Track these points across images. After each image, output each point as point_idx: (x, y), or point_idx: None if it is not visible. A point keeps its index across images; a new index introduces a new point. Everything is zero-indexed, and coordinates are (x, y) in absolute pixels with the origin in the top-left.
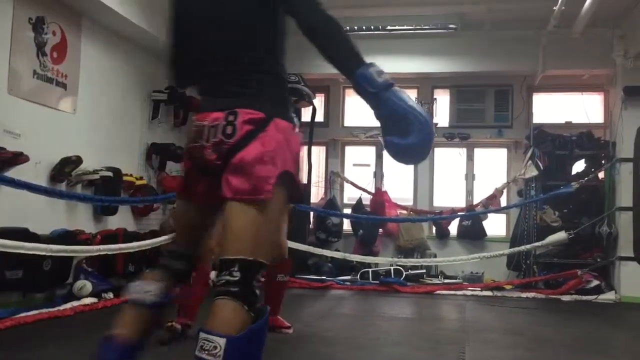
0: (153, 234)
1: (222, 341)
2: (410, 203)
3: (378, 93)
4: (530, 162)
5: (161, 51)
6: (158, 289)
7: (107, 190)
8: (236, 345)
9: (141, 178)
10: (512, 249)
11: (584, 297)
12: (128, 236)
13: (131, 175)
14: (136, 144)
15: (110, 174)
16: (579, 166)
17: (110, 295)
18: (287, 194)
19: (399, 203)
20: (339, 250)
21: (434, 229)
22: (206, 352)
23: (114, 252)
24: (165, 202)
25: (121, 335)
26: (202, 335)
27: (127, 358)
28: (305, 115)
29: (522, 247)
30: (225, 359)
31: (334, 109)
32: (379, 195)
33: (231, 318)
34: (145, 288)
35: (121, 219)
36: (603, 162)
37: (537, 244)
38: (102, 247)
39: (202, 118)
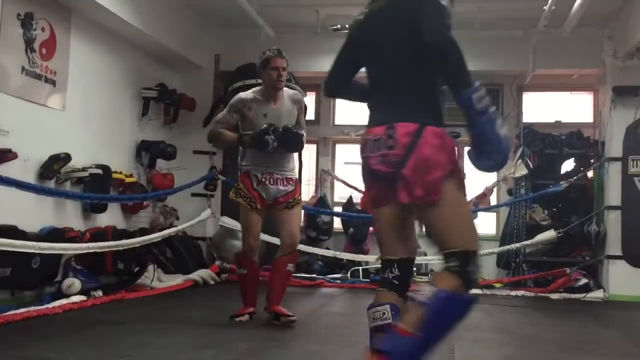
0: (143, 232)
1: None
2: None
3: (475, 116)
4: (520, 161)
5: (152, 49)
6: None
7: (96, 188)
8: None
9: (131, 175)
10: (501, 248)
11: (573, 296)
12: (117, 234)
13: (121, 172)
14: (126, 141)
15: (99, 171)
16: (568, 165)
17: (100, 293)
18: (459, 184)
19: None
20: (329, 249)
21: (423, 227)
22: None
23: (103, 250)
24: (155, 200)
25: None
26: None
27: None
28: None
29: (512, 246)
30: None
31: (325, 107)
32: None
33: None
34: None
35: (110, 217)
36: (592, 161)
37: (526, 242)
38: (91, 244)
39: (368, 132)
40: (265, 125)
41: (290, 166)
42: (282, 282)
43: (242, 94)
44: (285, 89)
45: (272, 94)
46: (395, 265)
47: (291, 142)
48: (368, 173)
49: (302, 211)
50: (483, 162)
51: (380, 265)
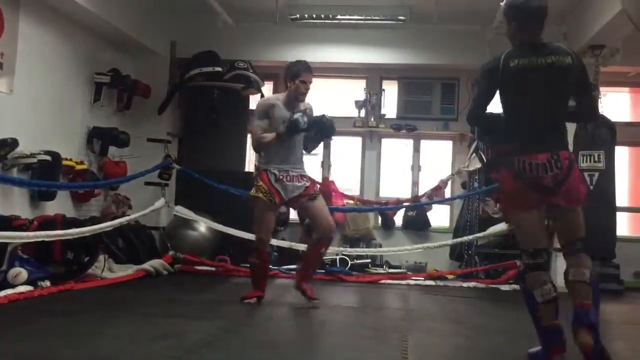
0: (94, 221)
1: (586, 271)
2: (357, 193)
3: None
4: (474, 154)
5: (105, 33)
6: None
7: (45, 175)
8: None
9: (81, 163)
10: (454, 240)
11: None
12: (67, 222)
13: (71, 159)
14: (77, 127)
15: (48, 157)
16: None
17: (47, 283)
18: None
19: (345, 193)
20: (285, 239)
21: (379, 219)
22: (579, 277)
23: (52, 239)
24: (107, 188)
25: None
26: (574, 271)
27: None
28: (254, 102)
29: (465, 238)
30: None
31: None
32: (326, 185)
33: (589, 262)
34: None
35: (60, 205)
36: None
37: (478, 234)
38: (38, 233)
39: (533, 158)
40: (296, 112)
41: (303, 165)
42: (314, 263)
43: (264, 99)
44: None
45: (294, 104)
46: (544, 252)
47: (324, 126)
48: (534, 187)
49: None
50: None
51: (529, 253)
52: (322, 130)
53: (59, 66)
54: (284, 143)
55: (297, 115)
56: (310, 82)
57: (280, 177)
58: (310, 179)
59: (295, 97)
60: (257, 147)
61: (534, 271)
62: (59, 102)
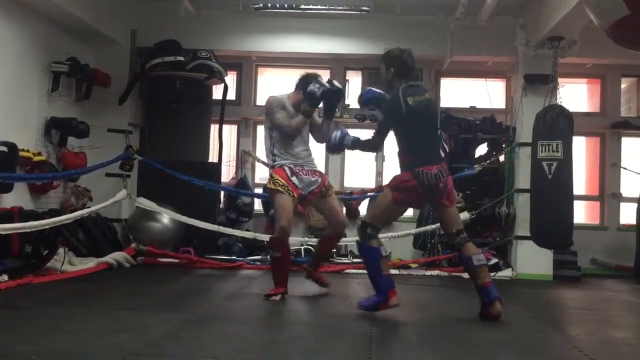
0: (53, 213)
1: (483, 256)
2: None
3: None
4: None
5: (62, 20)
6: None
7: (1, 166)
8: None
9: (39, 154)
10: (418, 229)
11: None
12: (24, 215)
13: (28, 150)
14: (34, 117)
15: (4, 148)
16: (481, 149)
17: (5, 277)
18: None
19: None
20: (249, 230)
21: (344, 209)
22: (481, 261)
23: (9, 232)
24: (66, 180)
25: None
26: (474, 257)
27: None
28: (217, 92)
29: (428, 227)
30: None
31: (246, 87)
32: None
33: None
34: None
35: (17, 197)
36: (504, 145)
37: None
38: None
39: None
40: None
41: (314, 161)
42: (324, 254)
43: (276, 96)
44: None
45: (297, 107)
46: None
47: (335, 89)
48: (426, 188)
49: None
50: None
51: (377, 227)
52: (335, 93)
53: (14, 54)
54: (296, 139)
55: (311, 87)
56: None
57: (297, 170)
58: (322, 174)
59: (300, 104)
60: (292, 133)
61: (377, 238)
62: (14, 91)
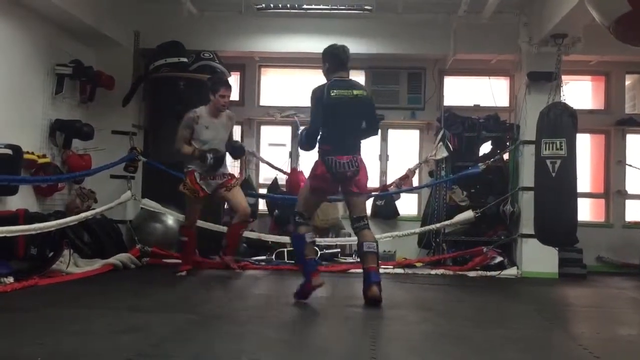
0: (58, 215)
1: (374, 244)
2: None
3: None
4: (441, 143)
5: (66, 23)
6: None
7: (5, 169)
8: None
9: (44, 156)
10: (422, 228)
11: (489, 273)
12: (30, 217)
13: (33, 153)
14: (38, 120)
15: (9, 151)
16: (486, 148)
17: (10, 279)
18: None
19: None
20: (254, 231)
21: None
22: (370, 248)
23: (14, 234)
24: (71, 182)
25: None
26: (365, 244)
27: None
28: None
29: (432, 226)
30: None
31: (250, 87)
32: (295, 175)
33: (373, 236)
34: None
35: (22, 200)
36: (508, 144)
37: (446, 222)
38: (0, 228)
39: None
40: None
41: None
42: (233, 242)
43: (192, 112)
44: None
45: (217, 113)
46: (309, 216)
47: (235, 149)
48: (336, 175)
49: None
50: None
51: (304, 215)
52: (235, 150)
53: (19, 58)
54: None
55: (208, 155)
56: (229, 97)
57: (203, 176)
58: (229, 175)
59: (217, 109)
60: (175, 153)
61: (305, 225)
62: (19, 94)
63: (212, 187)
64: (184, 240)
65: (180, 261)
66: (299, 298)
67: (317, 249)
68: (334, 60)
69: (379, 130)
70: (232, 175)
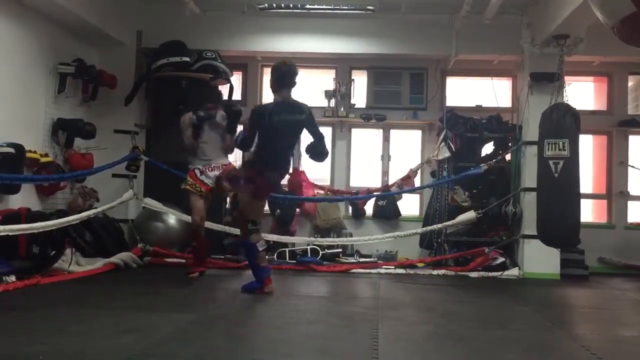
0: (60, 214)
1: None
2: (327, 183)
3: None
4: (443, 143)
5: (69, 22)
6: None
7: (8, 168)
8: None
9: (46, 155)
10: (424, 228)
11: (490, 274)
12: (32, 216)
13: (35, 152)
14: (40, 119)
15: (11, 150)
16: (488, 148)
17: (12, 278)
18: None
19: (316, 183)
20: None
21: (350, 208)
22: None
23: (16, 233)
24: (73, 181)
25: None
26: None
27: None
28: (223, 92)
29: (434, 226)
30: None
31: (252, 87)
32: (297, 175)
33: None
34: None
35: (24, 198)
36: (510, 144)
37: (447, 223)
38: (2, 227)
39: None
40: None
41: (221, 158)
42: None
43: (187, 114)
44: None
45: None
46: (259, 223)
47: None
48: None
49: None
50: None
51: (255, 222)
52: (231, 116)
53: (21, 56)
54: (208, 144)
55: (192, 118)
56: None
57: (204, 169)
58: (223, 166)
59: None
60: (189, 149)
61: (256, 232)
62: (21, 93)
63: (212, 179)
64: (195, 246)
65: (183, 261)
66: (245, 291)
67: (265, 253)
68: (279, 77)
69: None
70: (229, 163)
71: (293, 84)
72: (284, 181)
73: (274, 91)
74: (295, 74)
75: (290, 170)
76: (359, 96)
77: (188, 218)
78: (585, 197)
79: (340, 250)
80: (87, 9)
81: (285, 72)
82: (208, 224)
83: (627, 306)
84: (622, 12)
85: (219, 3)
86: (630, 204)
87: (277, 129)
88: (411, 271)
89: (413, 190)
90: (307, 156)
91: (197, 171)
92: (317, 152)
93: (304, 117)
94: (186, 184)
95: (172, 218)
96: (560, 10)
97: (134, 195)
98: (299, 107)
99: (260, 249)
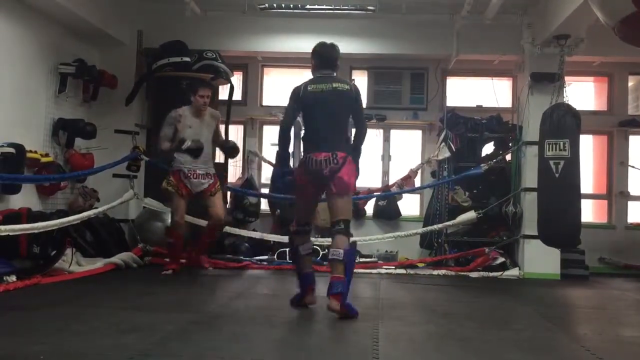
0: (60, 214)
1: (341, 251)
2: None
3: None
4: (443, 144)
5: (69, 22)
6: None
7: (8, 168)
8: (347, 252)
9: (47, 155)
10: (425, 228)
11: (491, 274)
12: (32, 216)
13: (36, 152)
14: (41, 119)
15: (12, 150)
16: (488, 148)
17: (13, 278)
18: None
19: None
20: (256, 230)
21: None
22: (335, 256)
23: (17, 233)
24: (74, 181)
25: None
26: (332, 250)
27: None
28: (223, 93)
29: (434, 227)
30: (344, 256)
31: (252, 87)
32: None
33: (345, 241)
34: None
35: (25, 198)
36: (510, 144)
37: (448, 223)
38: (3, 227)
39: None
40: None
41: (209, 165)
42: (204, 241)
43: (174, 111)
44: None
45: (199, 112)
46: (308, 224)
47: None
48: (311, 173)
49: (228, 193)
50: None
51: (300, 224)
52: (229, 151)
53: (22, 57)
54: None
55: (187, 142)
56: (208, 96)
57: (189, 174)
58: (213, 176)
59: (197, 108)
60: (160, 151)
61: (301, 235)
62: (22, 93)
63: (195, 186)
64: (170, 242)
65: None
66: (294, 305)
67: (310, 258)
68: (319, 58)
69: (367, 128)
70: (216, 178)
71: (335, 66)
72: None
73: (315, 71)
74: (336, 55)
75: (339, 162)
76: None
77: (189, 218)
78: (586, 197)
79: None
80: (88, 8)
81: (325, 49)
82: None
83: (628, 306)
84: (623, 12)
85: (219, 3)
86: (630, 204)
87: (314, 100)
88: (411, 271)
89: (413, 191)
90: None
91: (181, 174)
92: (358, 151)
93: (348, 88)
94: (168, 185)
95: None
96: (560, 10)
97: (135, 195)
98: (343, 79)
99: (302, 252)
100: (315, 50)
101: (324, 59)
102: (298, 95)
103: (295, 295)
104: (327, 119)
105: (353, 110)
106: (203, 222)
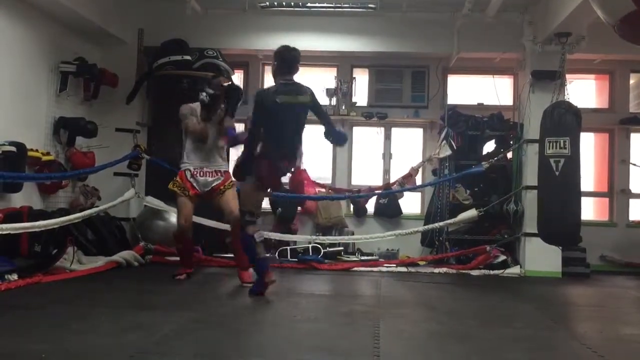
0: (62, 212)
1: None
2: (329, 181)
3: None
4: (444, 142)
5: (70, 20)
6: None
7: (10, 166)
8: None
9: (48, 153)
10: (426, 227)
11: (492, 272)
12: (34, 215)
13: (37, 150)
14: (42, 117)
15: (13, 148)
16: (489, 146)
17: (14, 276)
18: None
19: (317, 181)
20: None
21: (351, 207)
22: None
23: (18, 232)
24: (75, 179)
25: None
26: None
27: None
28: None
29: (436, 225)
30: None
31: (253, 85)
32: (298, 174)
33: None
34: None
35: (26, 197)
36: (511, 142)
37: (449, 221)
38: (4, 226)
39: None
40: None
41: (219, 162)
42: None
43: (187, 104)
44: None
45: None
46: (255, 214)
47: (232, 93)
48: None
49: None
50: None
51: (250, 213)
52: (231, 95)
53: (23, 55)
54: (208, 143)
55: (200, 97)
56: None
57: (195, 172)
58: (223, 174)
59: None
60: (198, 136)
61: (253, 224)
62: (23, 91)
63: (202, 185)
64: (179, 247)
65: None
66: (254, 295)
67: (264, 244)
68: (283, 63)
69: (328, 116)
70: (227, 175)
71: (296, 70)
72: (285, 179)
73: (275, 77)
74: (299, 60)
75: (299, 161)
76: (361, 94)
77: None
78: (587, 195)
79: (342, 248)
80: (89, 7)
81: (289, 55)
82: (210, 223)
83: (629, 304)
84: (623, 10)
85: (220, 1)
86: (632, 202)
87: (282, 111)
88: (412, 269)
89: (414, 189)
90: (329, 142)
91: (187, 173)
92: (336, 134)
93: (308, 98)
94: (174, 185)
95: (174, 216)
96: (561, 8)
97: (136, 194)
98: (303, 88)
99: (258, 239)
100: (280, 53)
101: (288, 64)
102: (262, 104)
103: (253, 284)
104: (290, 132)
105: (315, 113)
106: (214, 223)
